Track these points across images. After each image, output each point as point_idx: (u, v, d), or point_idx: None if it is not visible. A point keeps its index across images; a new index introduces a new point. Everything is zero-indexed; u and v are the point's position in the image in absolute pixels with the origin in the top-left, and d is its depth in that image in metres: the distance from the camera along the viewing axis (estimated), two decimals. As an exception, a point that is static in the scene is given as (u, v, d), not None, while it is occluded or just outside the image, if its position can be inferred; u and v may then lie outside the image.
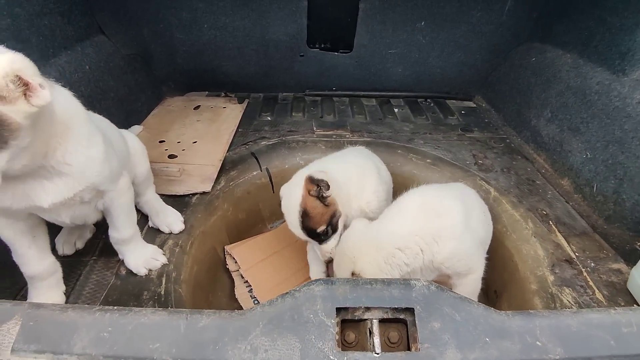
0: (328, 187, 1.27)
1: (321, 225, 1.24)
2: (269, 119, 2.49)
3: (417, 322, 0.72)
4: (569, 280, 1.43)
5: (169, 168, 1.88)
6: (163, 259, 1.45)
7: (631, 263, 1.43)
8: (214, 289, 1.77)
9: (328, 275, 1.71)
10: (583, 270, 1.47)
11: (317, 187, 1.26)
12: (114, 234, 1.35)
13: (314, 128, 2.39)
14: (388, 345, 0.75)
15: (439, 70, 2.63)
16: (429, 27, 2.35)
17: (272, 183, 2.13)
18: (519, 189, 1.93)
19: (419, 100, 2.78)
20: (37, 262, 1.19)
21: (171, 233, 1.60)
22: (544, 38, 2.28)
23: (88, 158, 1.05)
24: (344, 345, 0.74)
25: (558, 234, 1.64)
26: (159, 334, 0.71)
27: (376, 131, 2.38)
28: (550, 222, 1.70)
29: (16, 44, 1.40)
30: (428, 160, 2.15)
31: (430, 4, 2.24)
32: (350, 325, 0.76)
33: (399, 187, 2.15)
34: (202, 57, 2.51)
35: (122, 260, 1.44)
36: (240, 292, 1.79)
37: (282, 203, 1.36)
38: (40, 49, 1.55)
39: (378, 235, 1.20)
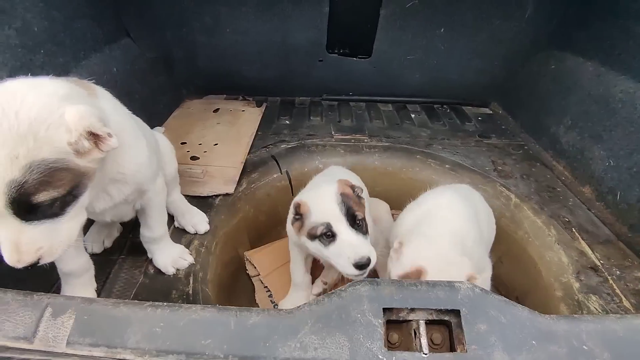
0: (362, 190, 1.29)
1: (359, 211, 1.21)
2: (288, 122, 2.51)
3: (463, 324, 0.73)
4: (595, 288, 1.43)
5: (193, 169, 1.90)
6: (190, 259, 1.47)
7: (658, 272, 1.43)
8: (235, 290, 1.78)
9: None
10: (609, 277, 1.47)
11: (353, 187, 1.28)
12: (146, 233, 1.37)
13: (333, 132, 2.41)
14: (431, 347, 0.75)
15: (456, 76, 2.64)
16: (449, 33, 2.37)
17: (291, 186, 2.15)
18: (539, 195, 1.93)
19: (435, 106, 2.80)
20: (73, 259, 1.21)
21: (196, 233, 1.62)
22: (563, 46, 2.29)
23: (137, 164, 1.09)
24: (389, 345, 0.75)
25: (582, 241, 1.64)
26: (209, 331, 0.72)
27: (394, 136, 2.39)
28: (573, 230, 1.70)
29: (52, 46, 1.44)
30: (447, 166, 2.16)
31: (450, 11, 2.26)
32: (393, 325, 0.77)
33: (416, 193, 2.18)
34: (222, 60, 2.55)
35: (150, 259, 1.46)
36: (261, 296, 1.80)
37: (310, 201, 1.29)
38: (73, 50, 1.58)
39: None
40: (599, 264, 1.54)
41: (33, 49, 1.32)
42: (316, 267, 1.79)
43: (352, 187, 1.30)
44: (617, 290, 1.42)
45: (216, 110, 2.57)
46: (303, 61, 2.57)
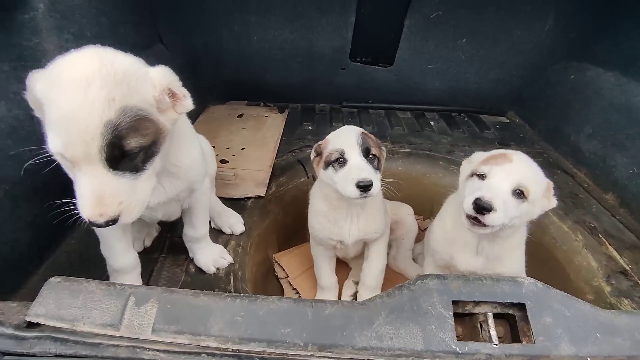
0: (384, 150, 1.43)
1: (375, 150, 1.31)
2: (310, 128, 2.56)
3: (529, 316, 0.76)
4: (626, 292, 1.46)
5: (225, 172, 1.94)
6: (230, 259, 1.51)
7: (686, 276, 1.46)
8: (267, 291, 1.80)
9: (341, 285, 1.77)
10: (639, 282, 1.50)
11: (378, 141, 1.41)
12: (190, 232, 1.41)
13: (355, 138, 2.45)
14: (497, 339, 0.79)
15: (474, 85, 2.70)
16: (470, 44, 2.43)
17: (315, 184, 2.19)
18: (563, 202, 1.96)
19: (452, 114, 2.85)
20: (124, 255, 1.25)
21: (232, 234, 1.66)
22: (581, 57, 2.36)
23: (191, 160, 1.13)
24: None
25: (609, 246, 1.67)
26: (288, 320, 0.76)
27: (416, 142, 2.43)
28: (600, 235, 1.73)
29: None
30: (470, 172, 2.20)
31: (472, 22, 2.32)
32: (458, 318, 0.80)
33: (442, 198, 2.22)
34: (247, 67, 2.60)
35: (190, 258, 1.49)
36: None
37: (330, 136, 1.41)
38: (116, 55, 1.63)
39: None
40: (627, 268, 1.57)
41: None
42: (340, 269, 1.82)
43: (378, 142, 1.40)
44: (648, 294, 1.45)
45: (240, 116, 2.62)
46: (326, 69, 2.62)
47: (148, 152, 0.88)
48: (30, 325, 0.76)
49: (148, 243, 1.57)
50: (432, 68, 2.58)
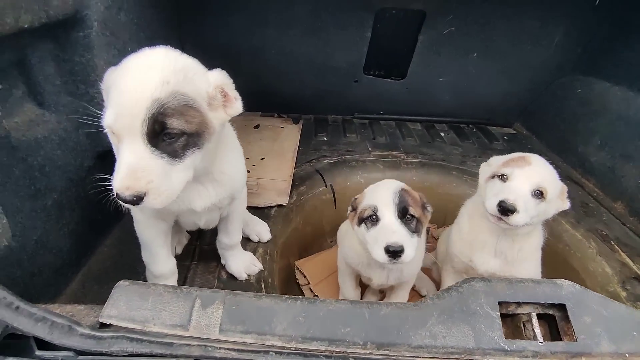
0: (430, 207, 1.36)
1: (415, 211, 1.22)
2: (325, 139, 2.63)
3: (570, 316, 0.82)
4: (642, 297, 1.53)
5: (248, 181, 1.99)
6: (260, 265, 1.56)
7: (699, 281, 1.53)
8: (289, 298, 1.84)
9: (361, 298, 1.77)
10: (653, 287, 1.57)
11: (423, 200, 1.35)
12: (225, 239, 1.45)
13: (369, 148, 2.53)
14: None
15: (483, 98, 2.79)
16: (480, 58, 2.52)
17: (334, 199, 2.24)
18: (574, 210, 2.03)
19: (461, 125, 2.94)
20: (165, 261, 1.29)
21: (259, 242, 1.70)
22: (588, 71, 2.46)
23: (236, 168, 1.19)
24: (500, 336, 0.84)
25: (622, 253, 1.74)
26: (347, 320, 0.81)
27: (428, 153, 2.51)
28: (612, 242, 1.80)
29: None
30: (483, 182, 2.27)
31: (484, 38, 2.42)
32: (502, 318, 0.86)
33: (455, 207, 2.28)
34: (264, 79, 2.67)
35: (222, 265, 1.54)
36: (311, 304, 1.87)
37: (367, 190, 1.34)
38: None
39: None
40: (641, 274, 1.63)
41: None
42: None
43: (423, 200, 1.33)
44: (663, 299, 1.51)
45: (256, 127, 2.68)
46: (340, 81, 2.70)
47: (189, 140, 0.92)
48: (102, 326, 0.81)
49: (179, 251, 1.61)
50: (442, 81, 2.67)
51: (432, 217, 2.32)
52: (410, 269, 1.46)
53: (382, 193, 1.25)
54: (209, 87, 0.96)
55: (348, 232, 1.50)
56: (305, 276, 1.96)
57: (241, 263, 1.51)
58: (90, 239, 1.50)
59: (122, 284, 0.86)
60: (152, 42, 1.75)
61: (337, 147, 2.54)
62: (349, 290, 1.71)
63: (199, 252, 1.63)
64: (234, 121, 3.01)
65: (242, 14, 2.33)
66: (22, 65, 1.11)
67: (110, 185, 0.90)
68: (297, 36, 2.41)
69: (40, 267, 1.22)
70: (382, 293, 1.81)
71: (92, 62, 1.21)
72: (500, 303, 0.84)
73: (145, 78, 0.87)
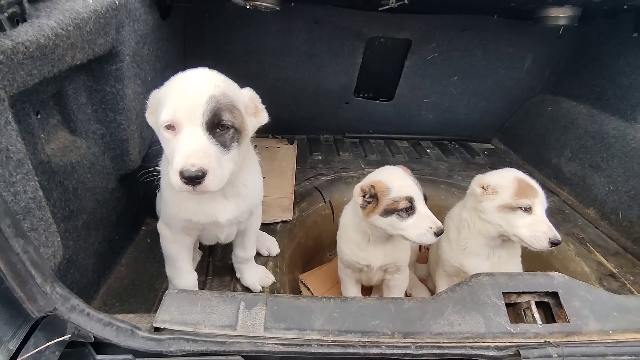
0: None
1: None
2: (320, 157, 2.77)
3: (562, 302, 0.97)
4: (616, 291, 1.70)
5: (253, 200, 2.10)
6: (272, 277, 1.65)
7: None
8: (296, 310, 1.93)
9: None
10: (626, 282, 1.75)
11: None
12: (240, 253, 1.54)
13: (363, 165, 2.68)
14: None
15: (464, 116, 3.02)
16: (461, 80, 2.76)
17: (333, 214, 2.37)
18: (552, 217, 2.21)
19: (445, 142, 3.15)
20: (188, 276, 1.37)
21: (269, 255, 1.80)
22: (555, 91, 2.73)
23: (256, 183, 1.30)
24: (505, 323, 0.97)
25: (597, 253, 1.93)
26: (376, 314, 0.93)
27: (417, 169, 2.68)
28: (588, 244, 2.00)
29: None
30: (469, 194, 2.45)
31: (464, 63, 2.66)
32: (506, 307, 1.00)
33: (443, 218, 2.43)
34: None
35: (236, 279, 1.62)
36: (317, 315, 1.96)
37: (386, 180, 1.41)
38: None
39: None
40: (615, 271, 1.82)
41: (146, 94, 1.54)
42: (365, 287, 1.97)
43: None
44: (635, 292, 1.69)
45: (254, 148, 2.80)
46: (332, 103, 2.87)
47: (235, 135, 1.08)
48: (157, 330, 0.90)
49: (194, 266, 1.68)
50: (427, 102, 2.88)
51: (424, 229, 2.52)
52: (401, 247, 1.60)
53: (407, 182, 1.39)
54: (244, 97, 1.18)
55: (347, 225, 1.64)
56: (309, 289, 2.05)
57: (255, 276, 1.60)
58: (110, 258, 1.56)
59: (172, 291, 0.95)
60: (166, 71, 1.88)
61: (332, 164, 2.68)
62: (353, 296, 1.82)
63: (213, 268, 1.71)
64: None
65: (241, 43, 2.48)
66: (60, 95, 1.20)
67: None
68: (292, 63, 2.57)
69: (69, 285, 1.27)
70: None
71: (121, 92, 1.31)
72: (504, 293, 0.98)
73: (201, 81, 1.06)
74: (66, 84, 1.22)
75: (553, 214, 2.24)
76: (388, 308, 0.94)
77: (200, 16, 2.31)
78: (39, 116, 1.16)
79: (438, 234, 1.32)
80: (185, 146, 1.00)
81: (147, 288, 1.56)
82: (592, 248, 1.98)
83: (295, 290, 2.00)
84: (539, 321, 0.95)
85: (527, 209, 1.43)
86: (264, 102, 3.14)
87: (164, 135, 1.05)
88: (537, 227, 1.40)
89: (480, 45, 2.57)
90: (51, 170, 1.13)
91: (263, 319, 0.91)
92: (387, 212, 1.34)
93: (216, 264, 1.74)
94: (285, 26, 2.44)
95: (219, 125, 1.03)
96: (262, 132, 3.12)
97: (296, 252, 2.07)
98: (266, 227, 1.98)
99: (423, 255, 2.38)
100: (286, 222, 2.05)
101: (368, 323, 0.91)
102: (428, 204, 2.49)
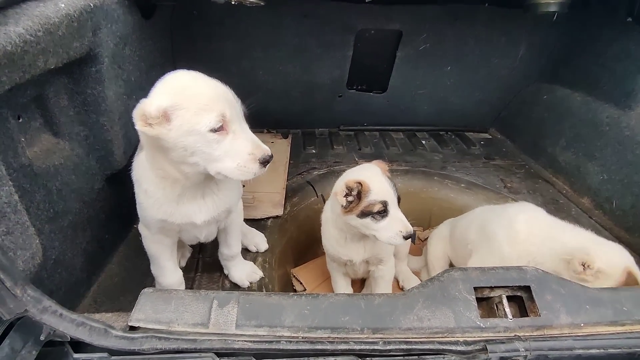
0: None
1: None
2: (314, 151, 2.77)
3: (534, 295, 0.97)
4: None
5: (244, 195, 2.11)
6: (260, 273, 1.67)
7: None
8: (288, 304, 1.95)
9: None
10: (616, 273, 1.74)
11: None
12: (225, 251, 1.57)
13: (356, 159, 2.68)
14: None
15: (459, 107, 2.98)
16: (454, 71, 2.72)
17: (325, 207, 2.37)
18: (546, 207, 2.20)
19: (441, 133, 3.13)
20: (172, 274, 1.40)
21: (257, 252, 1.82)
22: (551, 79, 2.68)
23: (232, 182, 1.31)
24: (477, 317, 0.98)
25: (588, 244, 1.92)
26: (346, 310, 0.94)
27: (411, 161, 2.67)
28: (580, 235, 1.98)
29: (139, 92, 1.68)
30: (462, 185, 2.45)
31: (457, 53, 2.62)
32: (478, 301, 1.00)
33: (437, 210, 2.45)
34: (253, 98, 2.81)
35: (225, 275, 1.65)
36: (309, 308, 1.98)
37: (368, 181, 1.39)
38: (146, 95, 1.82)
39: None
40: (606, 262, 1.81)
41: (130, 95, 1.56)
42: (355, 282, 1.99)
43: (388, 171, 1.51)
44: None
45: (247, 143, 2.81)
46: (325, 97, 2.86)
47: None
48: (132, 329, 0.92)
49: (183, 264, 1.72)
50: (421, 93, 2.86)
51: (418, 220, 2.52)
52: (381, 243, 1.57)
53: (384, 186, 1.39)
54: None
55: (328, 222, 1.64)
56: (301, 283, 2.07)
57: (243, 272, 1.62)
58: (100, 257, 1.59)
59: (147, 291, 0.97)
60: (151, 70, 1.89)
61: (325, 158, 2.68)
62: (342, 290, 1.83)
63: (202, 264, 1.74)
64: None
65: (231, 39, 2.48)
66: (40, 99, 1.22)
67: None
68: (283, 57, 2.57)
69: (57, 285, 1.32)
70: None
71: (102, 94, 1.33)
72: (475, 288, 0.98)
73: (210, 81, 1.13)
74: (46, 87, 1.23)
75: (547, 204, 2.23)
76: (358, 304, 0.95)
77: (188, 14, 2.31)
78: (20, 120, 1.18)
79: (407, 237, 1.34)
80: (251, 139, 1.13)
81: (137, 286, 1.57)
82: (584, 238, 1.96)
83: (287, 285, 2.03)
84: (509, 315, 0.95)
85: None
86: (255, 98, 3.16)
87: (210, 138, 1.05)
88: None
89: (472, 34, 2.53)
90: (33, 173, 1.16)
91: (235, 316, 0.92)
92: (364, 214, 1.36)
93: (206, 260, 1.76)
94: (275, 21, 2.43)
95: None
96: (257, 127, 3.16)
97: (287, 247, 2.09)
98: (256, 222, 2.00)
99: (417, 248, 2.39)
100: (277, 217, 2.07)
101: (338, 319, 0.92)
102: (422, 196, 2.54)
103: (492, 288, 1.00)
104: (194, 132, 1.03)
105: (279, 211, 2.08)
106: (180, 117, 1.02)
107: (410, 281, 2.05)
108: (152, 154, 1.12)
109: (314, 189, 2.37)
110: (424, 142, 2.96)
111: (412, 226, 2.48)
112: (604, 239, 1.47)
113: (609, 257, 1.30)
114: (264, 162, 1.11)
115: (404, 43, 2.56)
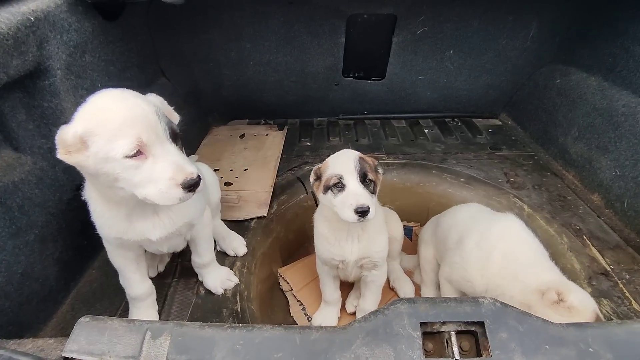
0: (382, 168, 1.47)
1: (371, 174, 1.36)
2: (309, 144, 2.69)
3: (487, 333, 0.88)
4: (606, 292, 1.56)
5: (228, 195, 2.09)
6: (236, 280, 1.65)
7: (665, 275, 1.55)
8: (272, 305, 1.94)
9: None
10: (619, 282, 1.59)
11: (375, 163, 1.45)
12: (197, 259, 1.55)
13: (352, 151, 2.57)
14: (461, 353, 0.91)
15: (465, 92, 2.79)
16: (457, 54, 2.52)
17: (317, 205, 2.31)
18: (551, 205, 2.06)
19: (446, 119, 2.95)
20: (139, 285, 1.40)
21: (236, 256, 1.80)
22: (567, 61, 2.43)
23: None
24: (425, 353, 0.91)
25: (592, 247, 1.77)
26: (280, 346, 0.89)
27: (410, 152, 2.54)
28: (584, 237, 1.83)
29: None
30: (462, 179, 2.30)
31: (458, 35, 2.42)
32: (428, 336, 0.93)
33: (434, 206, 2.33)
34: (246, 89, 2.74)
35: (200, 282, 1.64)
36: (295, 310, 1.96)
37: (330, 160, 1.44)
38: (123, 97, 1.79)
39: None
40: (609, 269, 1.66)
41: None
42: (344, 283, 1.94)
43: (375, 164, 1.46)
44: (627, 294, 1.54)
45: (242, 136, 2.76)
46: (320, 86, 2.74)
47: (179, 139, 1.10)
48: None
49: (161, 269, 1.72)
50: (422, 79, 2.68)
51: (414, 216, 2.42)
52: (376, 240, 1.56)
53: (344, 162, 1.37)
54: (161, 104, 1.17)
55: (319, 219, 1.62)
56: (288, 283, 2.05)
57: (217, 279, 1.60)
58: (77, 264, 1.61)
59: (83, 320, 0.96)
60: (125, 72, 1.85)
61: (319, 152, 2.60)
62: (330, 293, 1.79)
63: (180, 270, 1.74)
64: (221, 131, 3.10)
65: (217, 30, 2.39)
66: (-5, 115, 1.21)
67: None
68: (272, 47, 2.46)
69: (28, 297, 1.35)
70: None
71: (59, 107, 1.30)
72: (423, 323, 0.90)
73: (129, 101, 1.02)
74: (0, 103, 1.22)
75: (552, 201, 2.07)
76: (293, 339, 0.90)
77: (165, 7, 2.23)
78: (-24, 138, 1.18)
79: (358, 212, 1.26)
80: (174, 162, 1.03)
81: (114, 291, 1.60)
82: (588, 241, 1.81)
83: (273, 287, 2.01)
84: (456, 355, 0.87)
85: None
86: (249, 89, 3.13)
87: (127, 165, 1.00)
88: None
89: (475, 15, 2.31)
90: (-13, 192, 1.16)
91: (166, 350, 0.90)
92: (325, 189, 1.38)
93: (185, 265, 1.75)
94: (259, 9, 2.31)
95: (175, 135, 1.07)
96: (254, 118, 3.10)
97: (273, 248, 2.06)
98: (240, 224, 1.97)
99: (413, 245, 2.30)
100: (261, 218, 2.03)
101: (271, 356, 0.88)
102: (418, 191, 2.42)
103: (444, 322, 0.92)
104: (110, 159, 0.97)
105: (264, 212, 2.04)
106: (95, 143, 0.97)
107: (402, 282, 1.98)
108: (87, 178, 1.09)
109: (304, 186, 2.30)
110: (426, 130, 2.81)
111: (409, 223, 2.43)
112: None
113: (582, 296, 1.25)
114: (188, 186, 1.02)
115: (400, 27, 2.38)
